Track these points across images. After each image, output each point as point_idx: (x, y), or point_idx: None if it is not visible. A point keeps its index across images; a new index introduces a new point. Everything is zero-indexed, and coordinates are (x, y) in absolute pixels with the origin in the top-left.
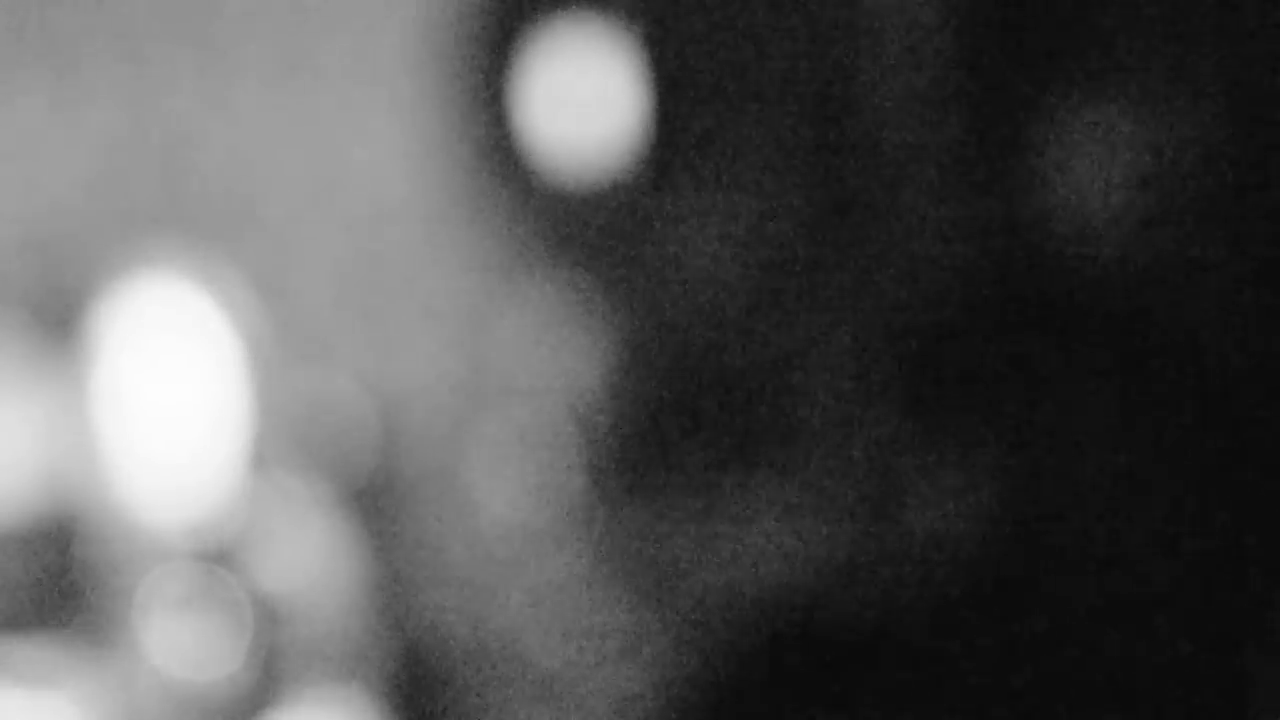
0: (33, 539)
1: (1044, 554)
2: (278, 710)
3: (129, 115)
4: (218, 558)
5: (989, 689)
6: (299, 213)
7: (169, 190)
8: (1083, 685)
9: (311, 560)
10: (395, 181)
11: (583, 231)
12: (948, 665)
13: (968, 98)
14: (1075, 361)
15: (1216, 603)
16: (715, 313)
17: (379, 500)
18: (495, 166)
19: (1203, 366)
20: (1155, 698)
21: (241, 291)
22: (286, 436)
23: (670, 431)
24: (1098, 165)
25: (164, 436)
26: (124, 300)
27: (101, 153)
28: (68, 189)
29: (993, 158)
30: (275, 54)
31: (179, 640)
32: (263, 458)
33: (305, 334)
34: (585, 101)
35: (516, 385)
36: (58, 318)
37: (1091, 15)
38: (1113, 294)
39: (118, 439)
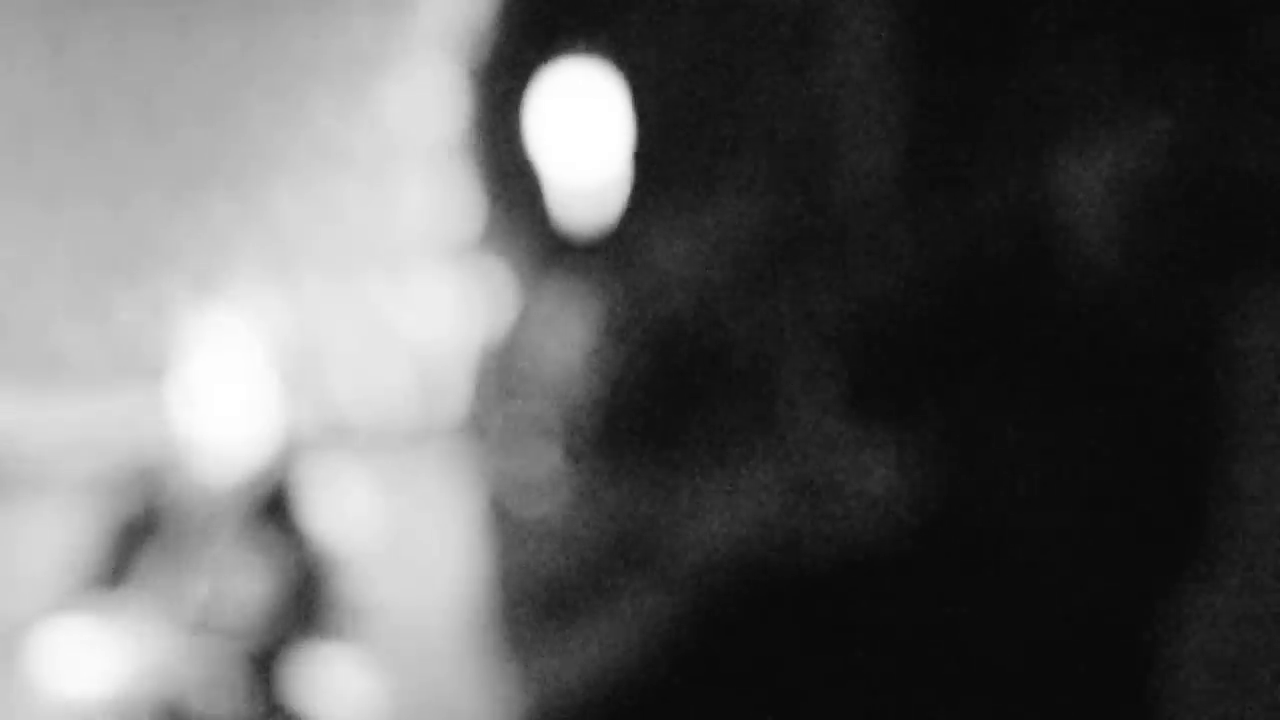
0: (117, 492)
1: (967, 525)
2: (308, 655)
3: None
4: (264, 516)
5: (916, 637)
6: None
7: (239, 219)
8: (1000, 637)
9: (349, 520)
10: (433, 227)
11: (578, 249)
12: (882, 615)
13: (919, 130)
14: (1003, 362)
15: (1129, 574)
16: (690, 315)
17: (410, 466)
18: (505, 196)
19: (1130, 359)
20: (1064, 656)
21: (290, 307)
22: (331, 410)
23: (648, 416)
24: (1046, 178)
25: (223, 407)
26: (200, 307)
27: (181, 184)
28: (149, 215)
29: (944, 176)
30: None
31: (226, 589)
32: (310, 427)
33: (352, 326)
34: (577, 135)
35: (525, 377)
36: (140, 323)
37: (1053, 35)
38: (1046, 299)
39: (187, 411)
